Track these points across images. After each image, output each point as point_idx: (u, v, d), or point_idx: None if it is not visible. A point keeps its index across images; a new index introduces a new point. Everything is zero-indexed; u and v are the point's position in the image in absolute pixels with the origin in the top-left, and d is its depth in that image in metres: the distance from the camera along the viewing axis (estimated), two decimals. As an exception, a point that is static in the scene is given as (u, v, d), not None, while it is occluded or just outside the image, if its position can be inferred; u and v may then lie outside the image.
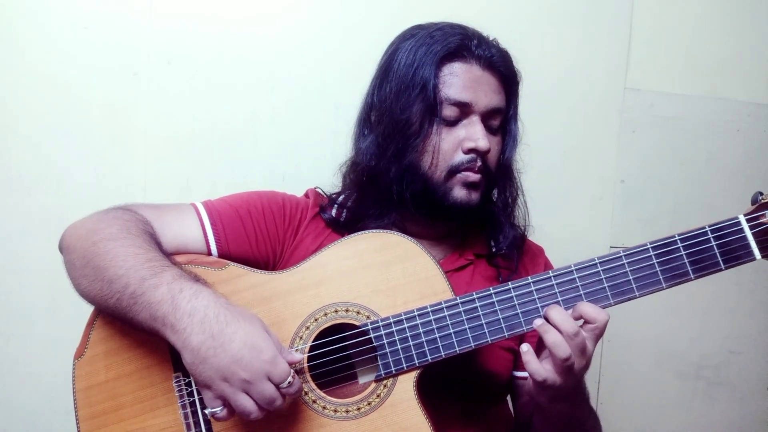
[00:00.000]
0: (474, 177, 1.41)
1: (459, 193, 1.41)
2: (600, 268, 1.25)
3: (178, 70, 1.97)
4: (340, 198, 1.55)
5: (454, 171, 1.40)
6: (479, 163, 1.41)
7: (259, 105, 2.02)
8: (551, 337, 1.18)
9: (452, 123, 1.41)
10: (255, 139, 2.03)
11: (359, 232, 1.36)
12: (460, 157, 1.40)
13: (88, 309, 1.33)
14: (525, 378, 1.50)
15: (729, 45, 2.30)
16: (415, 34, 1.44)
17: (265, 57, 2.02)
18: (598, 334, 1.21)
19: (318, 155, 2.03)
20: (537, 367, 1.19)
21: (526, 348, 1.21)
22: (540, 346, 1.23)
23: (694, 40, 2.28)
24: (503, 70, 1.44)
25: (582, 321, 1.21)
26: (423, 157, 1.40)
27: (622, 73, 2.24)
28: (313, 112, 2.05)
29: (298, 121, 2.04)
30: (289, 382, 1.15)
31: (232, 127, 2.02)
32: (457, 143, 1.40)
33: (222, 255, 1.40)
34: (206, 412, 1.18)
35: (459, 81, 1.39)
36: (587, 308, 1.20)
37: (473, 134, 1.39)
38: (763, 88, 2.33)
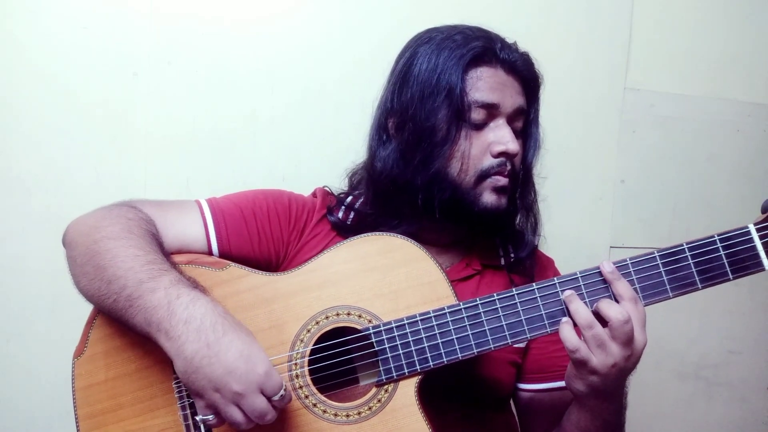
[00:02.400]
0: (503, 181, 1.39)
1: (489, 198, 1.39)
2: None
3: (178, 71, 1.97)
4: (348, 199, 1.53)
5: (483, 176, 1.38)
6: (509, 167, 1.39)
7: (259, 105, 2.02)
8: (573, 306, 1.20)
9: (479, 127, 1.38)
10: (255, 139, 2.02)
11: (362, 235, 1.35)
12: (490, 162, 1.38)
13: (88, 308, 1.32)
14: (534, 390, 1.50)
15: (729, 45, 2.30)
16: (432, 38, 1.42)
17: (265, 57, 2.01)
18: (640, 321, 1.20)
19: (318, 155, 2.03)
20: (569, 335, 1.19)
21: (565, 318, 1.21)
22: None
23: (694, 40, 2.28)
24: (526, 74, 1.43)
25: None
26: (451, 164, 1.38)
27: (622, 73, 2.24)
28: (313, 112, 2.04)
29: (298, 122, 2.04)
30: (281, 396, 1.14)
31: (232, 127, 2.01)
32: (485, 147, 1.38)
33: (223, 254, 1.40)
34: (197, 418, 1.17)
35: (485, 84, 1.37)
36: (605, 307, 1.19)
37: (502, 137, 1.37)
38: (763, 88, 2.33)
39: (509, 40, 1.45)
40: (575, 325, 1.21)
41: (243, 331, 1.17)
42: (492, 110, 1.38)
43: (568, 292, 1.22)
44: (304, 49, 2.03)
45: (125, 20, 1.92)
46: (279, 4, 2.01)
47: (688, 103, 2.28)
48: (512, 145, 1.37)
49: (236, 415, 1.13)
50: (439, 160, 1.37)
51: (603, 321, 1.18)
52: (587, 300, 1.23)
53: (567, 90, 2.20)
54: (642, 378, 2.27)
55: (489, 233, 1.53)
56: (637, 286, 1.23)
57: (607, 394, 1.25)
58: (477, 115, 1.37)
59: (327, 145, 2.00)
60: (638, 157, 2.27)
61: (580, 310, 1.20)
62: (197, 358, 1.12)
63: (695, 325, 2.32)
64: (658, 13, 2.25)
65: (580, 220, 2.24)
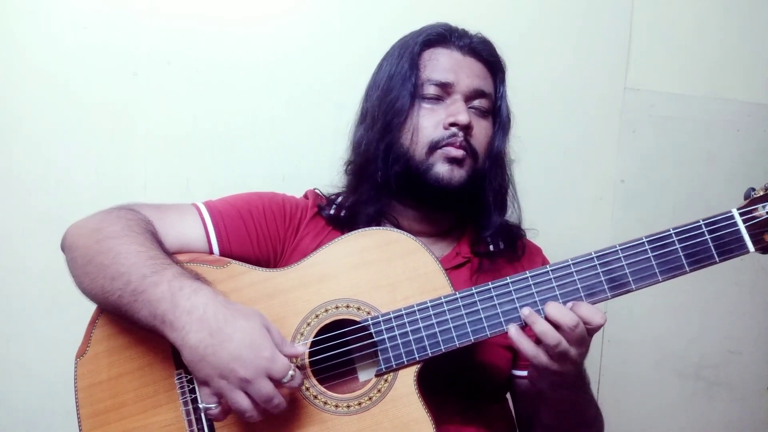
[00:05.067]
0: (456, 152, 1.43)
1: (441, 168, 1.43)
2: (597, 262, 1.25)
3: (178, 70, 1.97)
4: (339, 198, 1.56)
5: (434, 146, 1.43)
6: (461, 138, 1.43)
7: (259, 105, 2.03)
8: (539, 326, 1.19)
9: (434, 103, 1.45)
10: (255, 139, 2.03)
11: (359, 230, 1.37)
12: (441, 133, 1.43)
13: (89, 309, 1.33)
14: (524, 377, 1.50)
15: (729, 45, 2.30)
16: (399, 39, 1.53)
17: (265, 57, 2.02)
18: (594, 330, 1.22)
19: (318, 155, 2.03)
20: (528, 346, 1.21)
21: (513, 329, 1.22)
22: None
23: (694, 40, 2.28)
24: (486, 56, 1.50)
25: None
26: (403, 136, 1.45)
27: (622, 73, 2.24)
28: (313, 112, 2.05)
29: (298, 121, 2.04)
30: (291, 376, 1.16)
31: (232, 127, 2.02)
32: (438, 121, 1.44)
33: (223, 254, 1.41)
34: (200, 406, 1.18)
35: (440, 64, 1.46)
36: (584, 310, 1.20)
37: (453, 110, 1.43)
38: (763, 88, 2.33)
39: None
40: (526, 326, 1.23)
41: (246, 318, 1.18)
42: (447, 88, 1.45)
43: (526, 311, 1.23)
44: (304, 48, 2.04)
45: (125, 20, 1.93)
46: (279, 3, 2.02)
47: (688, 103, 2.28)
48: (462, 116, 1.42)
49: (243, 401, 1.14)
50: (392, 133, 1.45)
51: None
52: (580, 286, 1.25)
53: (567, 90, 2.20)
54: (642, 378, 2.27)
55: (472, 223, 1.57)
56: (627, 271, 1.25)
57: (569, 384, 1.29)
58: (430, 90, 1.45)
59: (327, 145, 2.00)
60: (638, 157, 2.27)
61: (546, 329, 1.19)
62: (201, 347, 1.14)
63: (695, 325, 2.32)
64: (658, 13, 2.25)
65: (580, 220, 2.24)
